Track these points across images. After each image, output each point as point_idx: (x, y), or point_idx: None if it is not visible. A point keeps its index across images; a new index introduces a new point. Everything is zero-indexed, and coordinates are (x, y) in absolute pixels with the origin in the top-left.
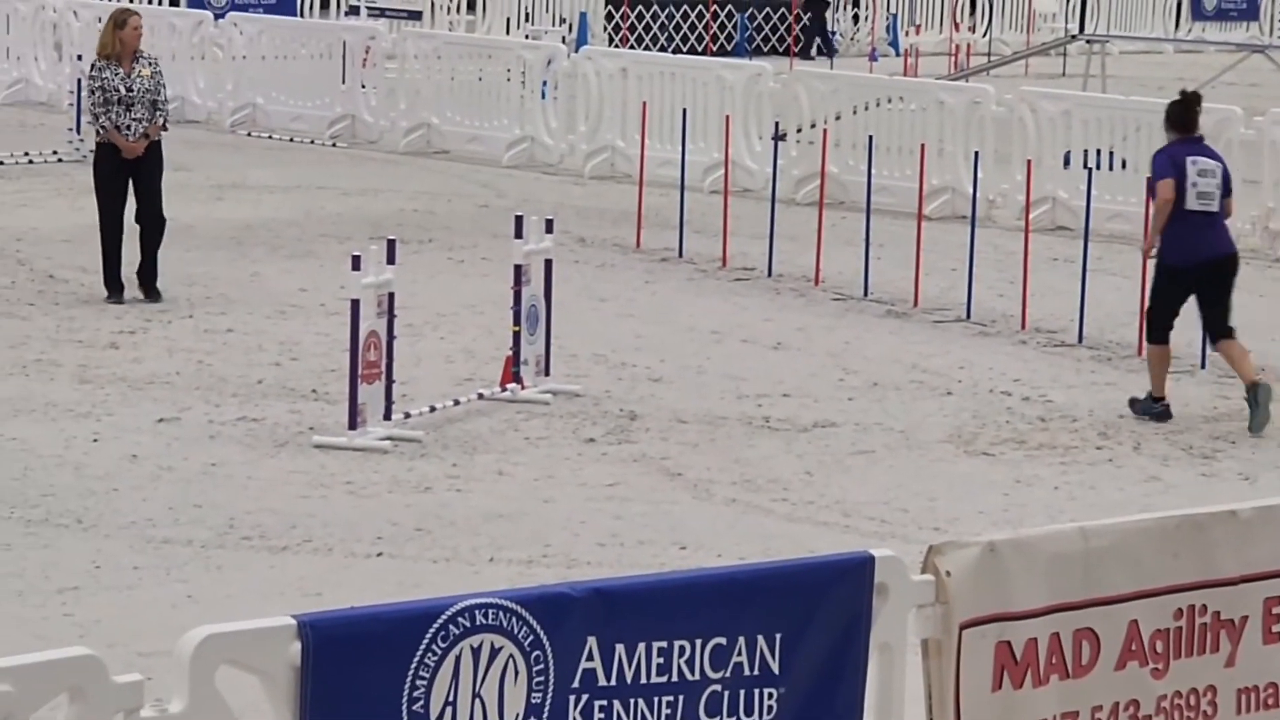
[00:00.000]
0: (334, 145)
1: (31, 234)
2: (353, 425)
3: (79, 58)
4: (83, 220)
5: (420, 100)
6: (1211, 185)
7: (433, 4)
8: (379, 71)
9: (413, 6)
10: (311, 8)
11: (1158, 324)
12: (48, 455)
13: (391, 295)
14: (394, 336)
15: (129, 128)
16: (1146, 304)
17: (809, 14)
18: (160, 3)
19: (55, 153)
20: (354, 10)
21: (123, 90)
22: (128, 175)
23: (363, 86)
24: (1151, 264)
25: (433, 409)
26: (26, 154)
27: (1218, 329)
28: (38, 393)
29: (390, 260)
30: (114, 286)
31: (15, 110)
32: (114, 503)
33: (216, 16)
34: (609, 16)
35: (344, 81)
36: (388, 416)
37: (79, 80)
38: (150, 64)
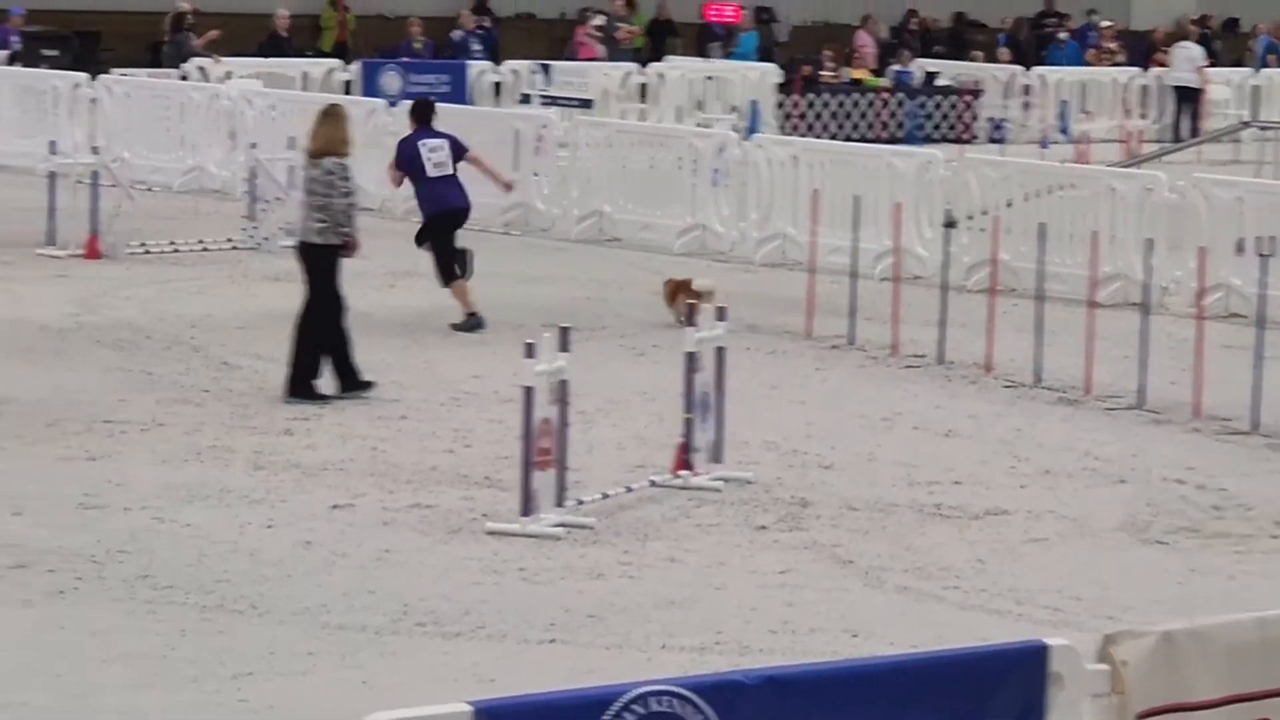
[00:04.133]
0: (507, 233)
1: (206, 321)
2: (526, 512)
3: (253, 146)
4: (256, 308)
5: (592, 188)
6: None
7: (604, 93)
8: (551, 160)
9: (584, 95)
10: (486, 96)
11: None
12: (222, 541)
13: (565, 382)
14: (567, 423)
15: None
16: None
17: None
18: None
19: (229, 240)
20: (526, 99)
21: None
22: None
23: (535, 175)
24: None
25: (605, 496)
26: (201, 241)
27: None
28: (212, 479)
29: (563, 348)
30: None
31: (190, 198)
32: (288, 589)
33: (390, 105)
34: (779, 104)
35: (517, 169)
36: (560, 503)
37: (252, 169)
38: None
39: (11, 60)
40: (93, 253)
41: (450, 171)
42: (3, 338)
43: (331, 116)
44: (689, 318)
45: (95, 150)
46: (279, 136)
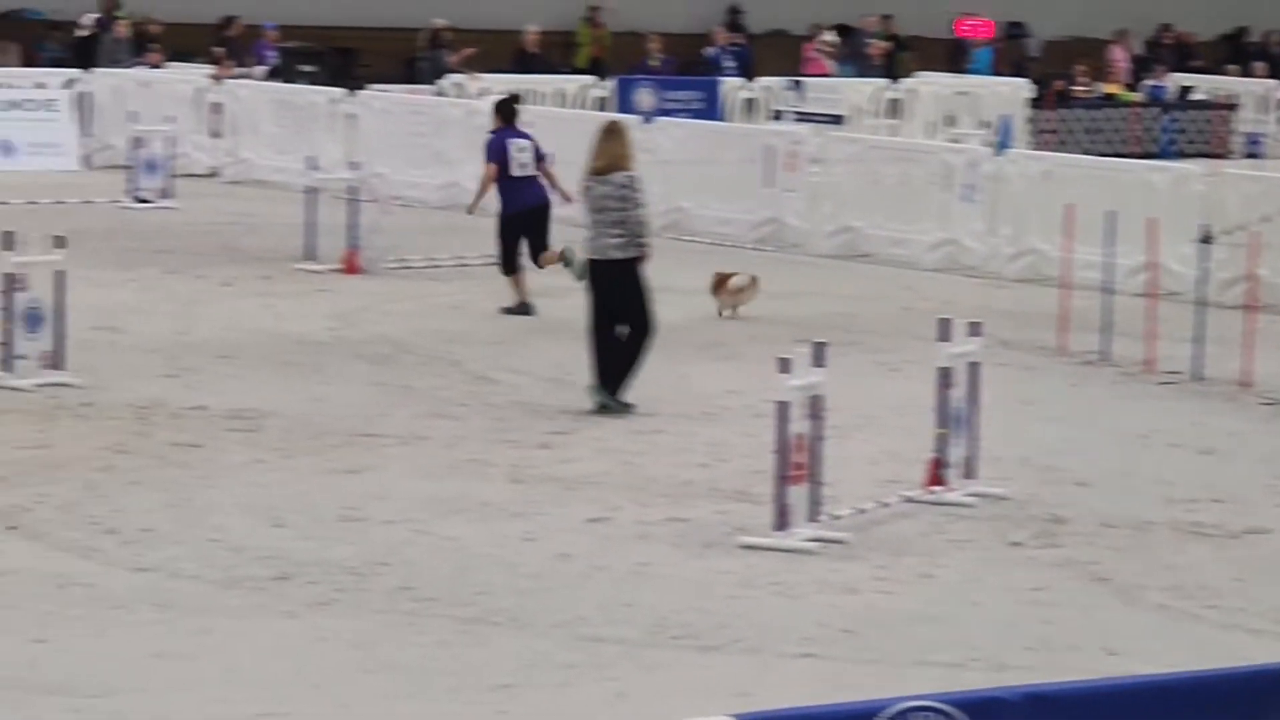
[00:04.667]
0: (759, 249)
1: (463, 335)
2: (779, 526)
3: None
4: (513, 323)
5: (844, 204)
6: None
7: (856, 109)
8: (803, 176)
9: (836, 111)
10: (738, 112)
11: None
12: (481, 554)
13: (819, 397)
14: (820, 438)
15: None
16: None
17: None
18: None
19: (486, 255)
20: (778, 115)
21: None
22: None
23: (787, 191)
24: None
25: (858, 510)
26: (458, 256)
27: None
28: (472, 492)
29: (818, 363)
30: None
31: (446, 213)
32: (546, 601)
33: (644, 121)
34: (1030, 119)
35: (769, 186)
36: (814, 518)
37: None
38: None
39: (270, 76)
40: (351, 267)
41: (533, 172)
42: (263, 352)
43: (614, 133)
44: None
45: (353, 166)
46: None
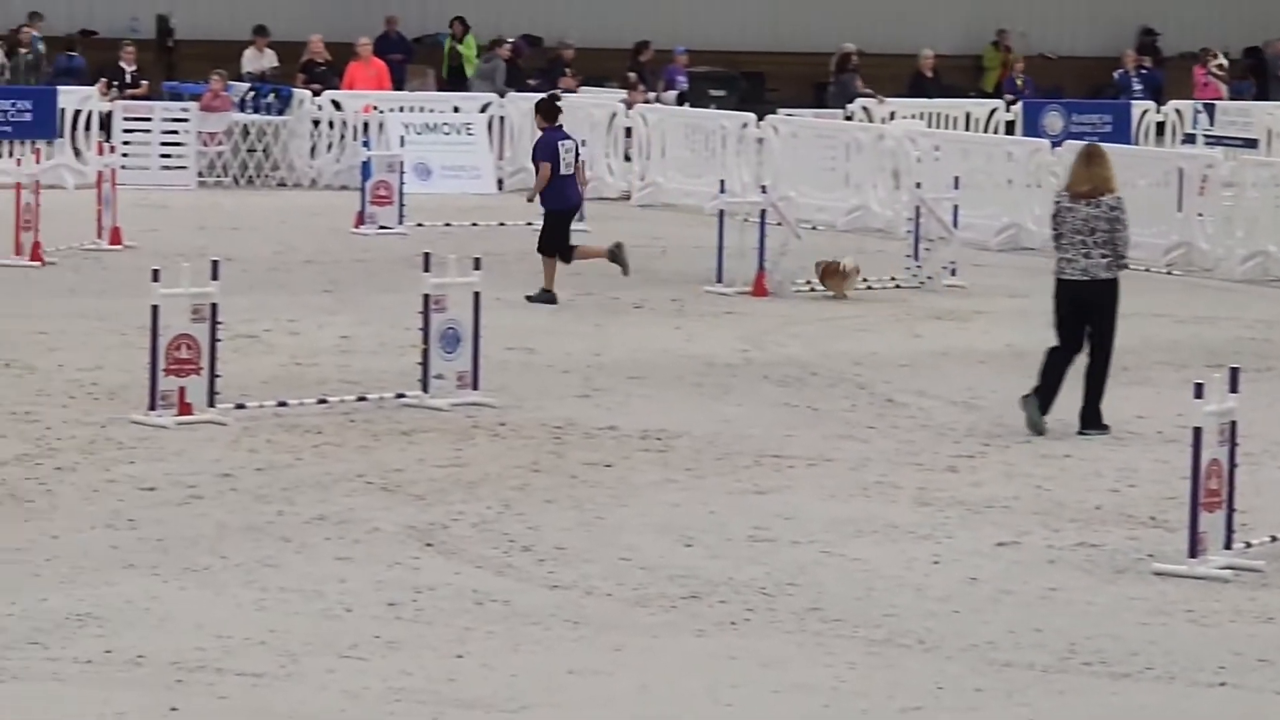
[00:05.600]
0: (1169, 273)
1: (870, 358)
2: (1193, 553)
3: (917, 186)
4: (920, 346)
5: (1257, 228)
6: None
7: (1269, 132)
8: (1216, 200)
9: (1249, 135)
10: (1148, 135)
11: None
12: (889, 576)
13: (1234, 424)
14: (1235, 465)
15: None
16: None
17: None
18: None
19: (893, 279)
20: (1189, 139)
21: None
22: None
23: (1199, 215)
24: None
25: (1274, 539)
26: (865, 280)
27: None
28: (878, 514)
29: (1232, 388)
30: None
31: (854, 237)
32: (955, 624)
33: (1053, 145)
34: None
35: (1180, 209)
36: (1228, 545)
37: (917, 208)
38: None
39: (680, 100)
40: (760, 290)
41: (574, 171)
42: (673, 372)
43: (1095, 157)
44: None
45: (763, 189)
46: (942, 177)
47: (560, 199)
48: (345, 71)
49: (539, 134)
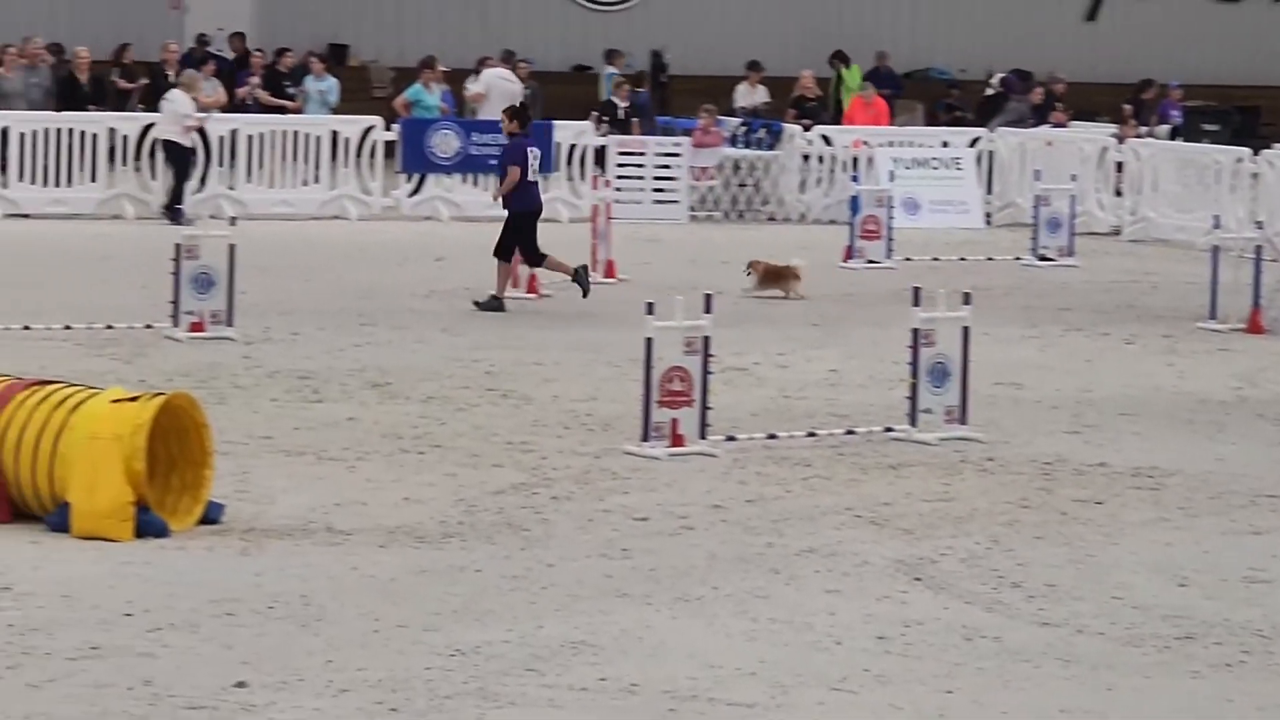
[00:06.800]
0: None
1: None
2: None
3: None
4: None
5: None
6: None
7: None
8: None
9: None
10: None
11: None
12: None
13: None
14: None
15: None
16: None
17: None
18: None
19: None
20: None
21: None
22: None
23: None
24: None
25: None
26: None
27: None
28: None
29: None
30: None
31: None
32: None
33: None
34: None
35: None
36: None
37: None
38: None
39: (1173, 135)
40: (1254, 327)
41: (539, 178)
42: (1165, 409)
43: None
44: None
45: (1258, 224)
46: None
47: (526, 201)
48: (847, 108)
49: (508, 139)
